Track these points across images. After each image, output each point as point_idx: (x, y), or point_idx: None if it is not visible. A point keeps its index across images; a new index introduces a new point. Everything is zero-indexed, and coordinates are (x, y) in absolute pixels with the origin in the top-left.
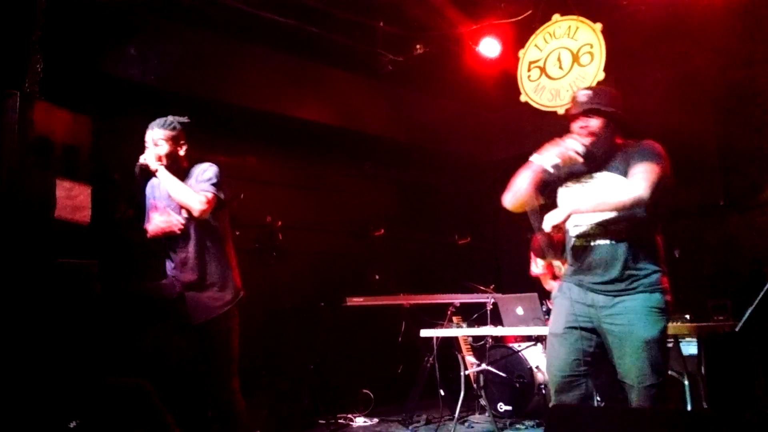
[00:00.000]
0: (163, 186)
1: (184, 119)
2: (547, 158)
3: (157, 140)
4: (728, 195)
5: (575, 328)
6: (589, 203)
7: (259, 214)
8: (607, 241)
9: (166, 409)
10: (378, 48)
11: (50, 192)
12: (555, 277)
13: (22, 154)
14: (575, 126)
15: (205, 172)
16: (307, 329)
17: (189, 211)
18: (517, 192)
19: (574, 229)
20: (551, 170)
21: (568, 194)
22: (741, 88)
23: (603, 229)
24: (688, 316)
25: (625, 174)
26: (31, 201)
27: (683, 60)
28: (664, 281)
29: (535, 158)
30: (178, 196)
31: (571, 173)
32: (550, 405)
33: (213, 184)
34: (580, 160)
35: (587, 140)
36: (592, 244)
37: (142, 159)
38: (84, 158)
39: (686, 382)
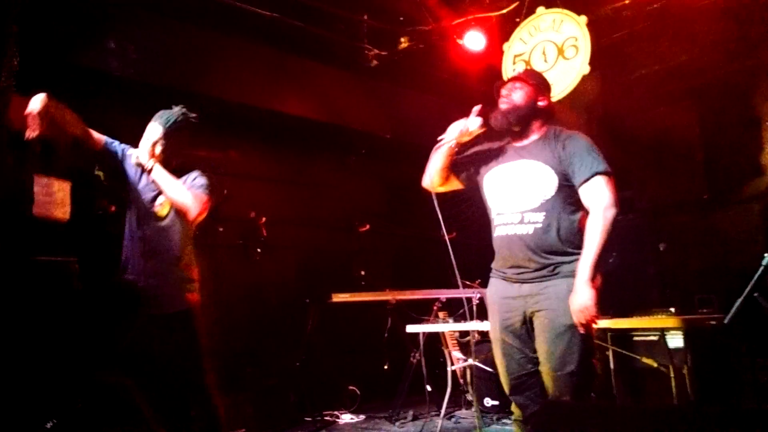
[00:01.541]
0: (154, 180)
1: (192, 115)
2: (449, 135)
3: (154, 135)
4: (713, 189)
5: (510, 326)
6: (590, 251)
7: (244, 209)
8: (529, 229)
9: (150, 407)
10: (363, 42)
11: (28, 188)
12: None
13: None
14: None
15: (197, 179)
16: (293, 325)
17: (182, 210)
18: (431, 172)
19: (497, 218)
20: (455, 146)
21: (492, 180)
22: (725, 84)
23: (524, 216)
24: (673, 309)
25: (551, 162)
26: (9, 197)
27: (668, 56)
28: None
29: (440, 138)
30: (174, 194)
31: (496, 159)
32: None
33: (206, 189)
34: (477, 131)
35: (504, 105)
36: (514, 232)
37: (134, 156)
38: (63, 153)
39: (672, 376)
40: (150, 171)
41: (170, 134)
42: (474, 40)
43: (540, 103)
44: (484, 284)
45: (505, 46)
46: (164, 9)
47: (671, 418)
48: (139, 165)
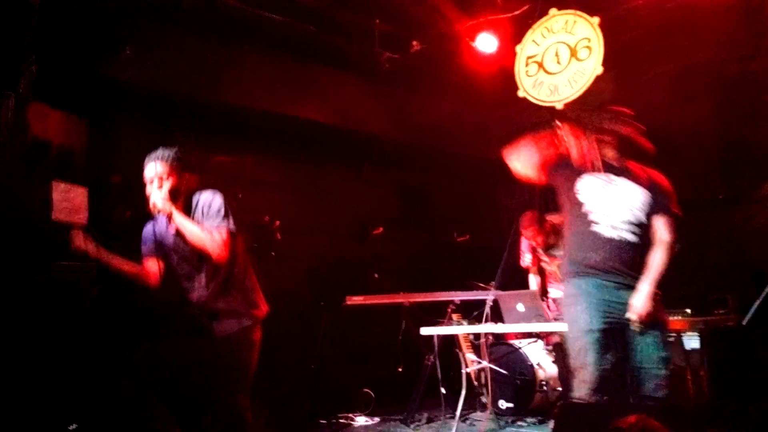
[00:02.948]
0: (172, 225)
1: (176, 149)
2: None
3: (158, 176)
4: (729, 189)
5: (608, 322)
6: (657, 272)
7: (257, 214)
8: (634, 239)
9: (167, 413)
10: (375, 46)
11: (46, 194)
12: (544, 274)
13: (17, 156)
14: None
15: (212, 205)
16: (308, 329)
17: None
18: (526, 162)
19: (601, 218)
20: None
21: (594, 184)
22: (741, 82)
23: (629, 227)
24: (689, 310)
25: (646, 188)
26: (28, 203)
27: (683, 54)
28: None
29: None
30: (194, 240)
31: (597, 167)
32: (586, 400)
33: (224, 217)
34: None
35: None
36: (621, 237)
37: (151, 202)
38: (80, 160)
39: (689, 377)
40: (170, 217)
41: (173, 167)
42: (486, 43)
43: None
44: (498, 287)
45: (518, 48)
46: (180, 18)
47: (688, 419)
48: (160, 212)
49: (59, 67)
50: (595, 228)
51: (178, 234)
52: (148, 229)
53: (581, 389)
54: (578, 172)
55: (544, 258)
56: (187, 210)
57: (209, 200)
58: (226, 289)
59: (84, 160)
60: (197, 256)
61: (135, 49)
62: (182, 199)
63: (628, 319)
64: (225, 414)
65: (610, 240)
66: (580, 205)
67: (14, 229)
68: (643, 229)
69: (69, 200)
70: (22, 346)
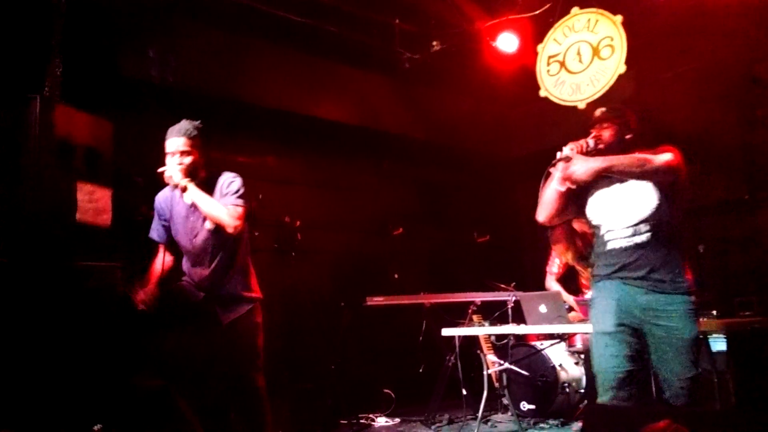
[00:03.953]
0: (186, 199)
1: (198, 123)
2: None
3: (179, 150)
4: (753, 189)
5: (624, 325)
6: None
7: (278, 213)
8: (646, 240)
9: (191, 411)
10: (395, 46)
11: (72, 195)
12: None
13: (43, 158)
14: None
15: (231, 184)
16: (328, 329)
17: (220, 226)
18: (545, 204)
19: (608, 234)
20: (562, 186)
21: (598, 201)
22: (764, 81)
23: (643, 227)
24: (714, 312)
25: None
26: (54, 204)
27: (706, 54)
28: (692, 282)
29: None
30: (210, 212)
31: (599, 182)
32: (598, 403)
33: (240, 197)
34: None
35: (591, 142)
36: (630, 242)
37: (167, 175)
38: (105, 161)
39: (715, 380)
40: (185, 190)
41: (191, 143)
42: (507, 42)
43: (626, 137)
44: (519, 287)
45: (539, 47)
46: (202, 17)
47: (715, 423)
48: (175, 186)
49: (84, 68)
50: (608, 246)
51: (193, 209)
52: (162, 199)
53: (602, 393)
54: (587, 195)
55: (578, 267)
56: (207, 188)
57: (230, 180)
58: (228, 272)
59: (109, 161)
60: (206, 233)
61: (158, 48)
62: (203, 176)
63: (651, 325)
64: (243, 395)
65: (623, 249)
66: (597, 228)
67: (40, 229)
68: (659, 218)
69: (93, 201)
70: (48, 346)
